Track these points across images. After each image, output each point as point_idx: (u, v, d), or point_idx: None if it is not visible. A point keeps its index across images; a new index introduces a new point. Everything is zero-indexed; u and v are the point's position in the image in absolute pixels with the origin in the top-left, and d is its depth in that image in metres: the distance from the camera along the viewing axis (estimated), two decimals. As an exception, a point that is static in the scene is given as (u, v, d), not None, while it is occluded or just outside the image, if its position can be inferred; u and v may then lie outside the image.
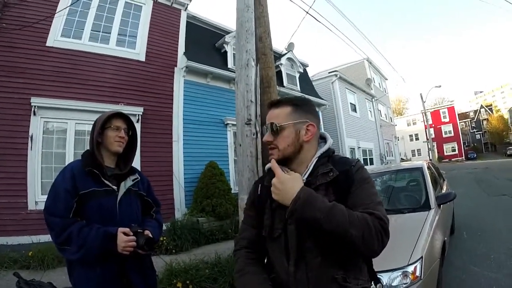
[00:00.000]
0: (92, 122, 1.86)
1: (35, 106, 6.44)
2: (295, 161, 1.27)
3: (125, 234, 1.66)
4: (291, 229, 1.19)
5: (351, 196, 1.16)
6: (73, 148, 6.79)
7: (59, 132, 6.85)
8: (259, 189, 1.36)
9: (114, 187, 1.78)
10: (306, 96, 13.42)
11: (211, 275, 4.14)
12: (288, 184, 1.10)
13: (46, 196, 1.73)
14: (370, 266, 1.28)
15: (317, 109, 12.14)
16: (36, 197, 6.12)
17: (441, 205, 3.88)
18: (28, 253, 5.08)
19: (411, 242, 2.80)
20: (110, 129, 1.81)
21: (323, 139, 1.38)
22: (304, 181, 1.21)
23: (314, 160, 1.26)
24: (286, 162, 1.27)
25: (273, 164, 1.19)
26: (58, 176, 1.75)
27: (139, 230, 1.71)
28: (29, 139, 6.30)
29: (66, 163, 2.01)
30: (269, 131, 1.27)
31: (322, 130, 1.44)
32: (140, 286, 1.77)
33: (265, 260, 1.33)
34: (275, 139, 1.26)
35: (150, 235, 1.74)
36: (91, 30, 7.65)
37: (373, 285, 1.28)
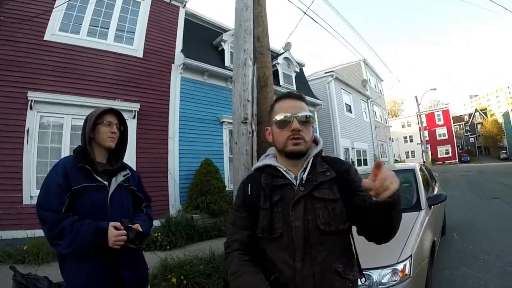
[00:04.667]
0: (89, 118, 1.88)
1: (32, 100, 6.42)
2: (302, 157, 1.29)
3: (116, 228, 1.67)
4: (297, 225, 1.20)
5: (360, 199, 1.18)
6: (69, 143, 6.74)
7: (55, 127, 6.84)
8: (249, 189, 1.33)
9: (105, 182, 1.79)
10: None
11: (206, 271, 4.16)
12: None
13: (41, 191, 1.74)
14: (358, 261, 1.34)
15: (312, 109, 12.19)
16: (31, 192, 6.11)
17: (432, 206, 3.95)
18: (23, 247, 5.08)
19: (401, 240, 2.84)
20: (103, 124, 1.82)
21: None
22: (305, 178, 1.25)
23: (311, 159, 1.29)
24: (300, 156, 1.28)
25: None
26: (50, 171, 1.76)
27: (129, 225, 1.73)
28: (25, 133, 6.29)
29: (61, 158, 2.01)
30: (297, 120, 1.24)
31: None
32: (132, 280, 1.78)
33: (264, 261, 1.28)
34: (302, 130, 1.23)
35: (140, 229, 1.76)
36: (89, 25, 7.62)
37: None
